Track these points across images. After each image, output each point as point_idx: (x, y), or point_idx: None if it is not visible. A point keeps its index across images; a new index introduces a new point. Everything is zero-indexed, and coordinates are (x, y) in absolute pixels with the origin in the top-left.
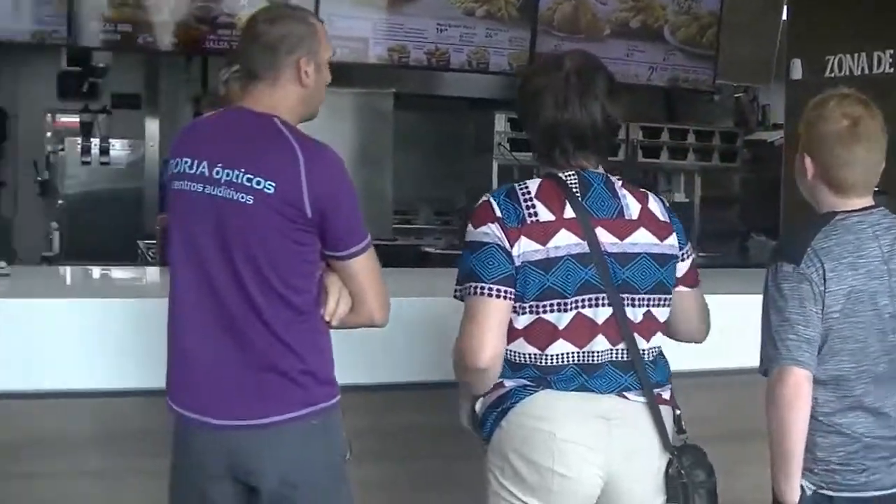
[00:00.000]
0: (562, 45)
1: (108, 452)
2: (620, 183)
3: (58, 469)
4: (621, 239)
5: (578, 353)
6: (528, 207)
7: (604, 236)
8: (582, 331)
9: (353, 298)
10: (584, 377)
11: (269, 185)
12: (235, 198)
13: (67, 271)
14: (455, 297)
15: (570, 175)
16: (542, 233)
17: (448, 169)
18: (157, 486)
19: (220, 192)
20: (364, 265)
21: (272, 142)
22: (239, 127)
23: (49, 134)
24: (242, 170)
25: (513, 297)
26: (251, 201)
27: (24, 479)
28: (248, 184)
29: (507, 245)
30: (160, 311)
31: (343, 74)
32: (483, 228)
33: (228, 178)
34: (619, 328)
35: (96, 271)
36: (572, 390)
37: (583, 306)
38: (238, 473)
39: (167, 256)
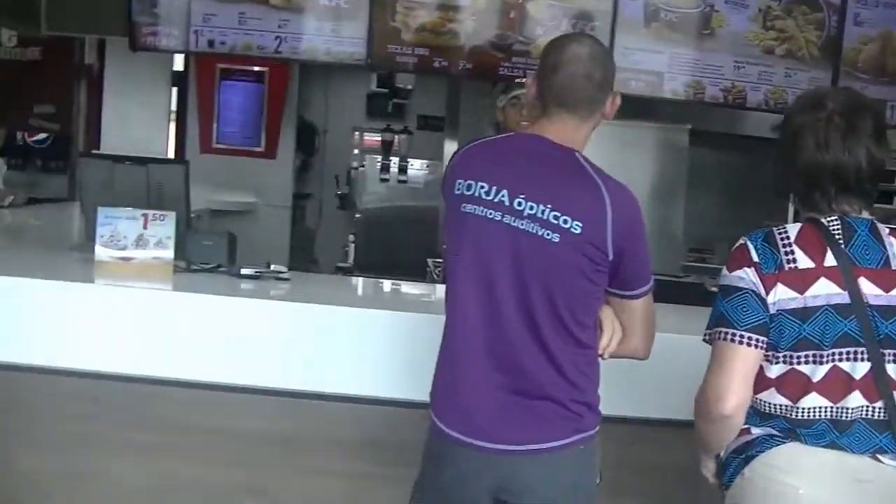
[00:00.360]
0: (866, 88)
1: (373, 457)
2: (888, 230)
3: (332, 468)
4: (886, 290)
5: (831, 408)
6: (786, 253)
7: (867, 287)
8: (837, 385)
9: (623, 331)
10: (835, 433)
11: (577, 225)
12: (540, 234)
13: (359, 282)
14: (704, 340)
15: (832, 220)
16: (800, 280)
17: (744, 209)
18: (400, 491)
19: (522, 224)
20: (643, 304)
21: (578, 179)
22: (539, 157)
23: (356, 151)
24: (549, 206)
25: (764, 345)
26: (557, 239)
27: (300, 473)
28: (556, 221)
29: (761, 291)
30: (433, 327)
31: (640, 108)
32: (738, 273)
33: (532, 213)
34: (878, 385)
35: (378, 283)
36: (822, 446)
37: (840, 360)
38: (503, 494)
39: (448, 274)
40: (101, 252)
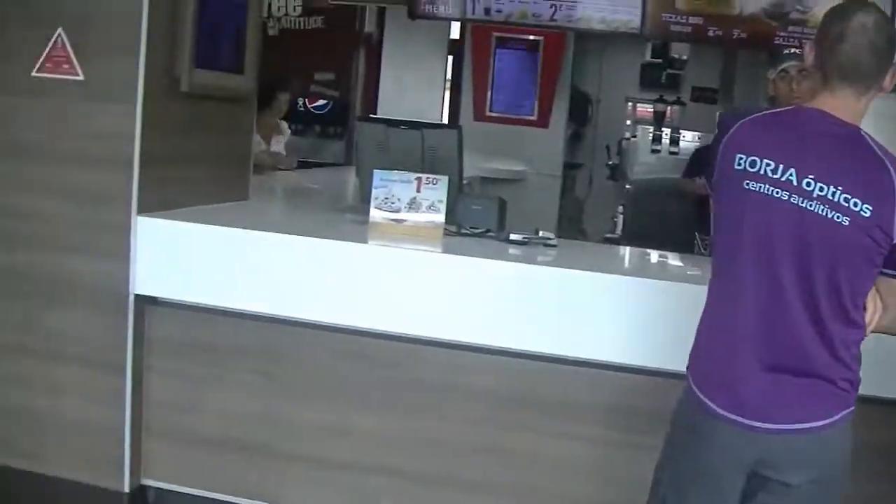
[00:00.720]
0: None
1: (617, 424)
2: None
3: (576, 432)
4: None
5: None
6: None
7: None
8: None
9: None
10: None
11: (867, 208)
12: (830, 216)
13: (624, 251)
14: None
15: None
16: None
17: None
18: (645, 459)
19: (811, 206)
20: None
21: (865, 159)
22: (825, 135)
23: (628, 121)
24: (840, 188)
25: None
26: (846, 223)
27: (545, 436)
28: (846, 204)
29: None
30: (692, 298)
31: None
32: None
33: (822, 194)
34: None
35: (643, 253)
36: None
37: None
38: (764, 470)
39: (720, 250)
40: (375, 213)
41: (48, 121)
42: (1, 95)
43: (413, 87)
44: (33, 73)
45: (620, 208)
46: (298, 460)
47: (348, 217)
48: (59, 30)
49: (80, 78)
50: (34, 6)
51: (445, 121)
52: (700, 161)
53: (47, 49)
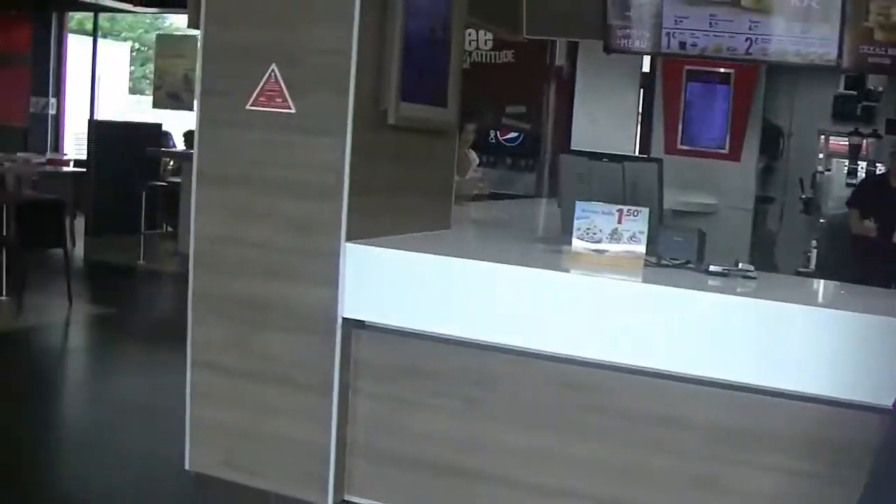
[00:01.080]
0: None
1: (820, 457)
2: None
3: (780, 465)
4: None
5: None
6: None
7: None
8: None
9: None
10: None
11: None
12: None
13: (821, 284)
14: None
15: None
16: None
17: None
18: (847, 494)
19: None
20: None
21: None
22: None
23: (821, 155)
24: None
25: None
26: None
27: (748, 468)
28: None
29: None
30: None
31: None
32: None
33: None
34: None
35: (839, 287)
36: None
37: None
38: None
39: None
40: (577, 244)
41: (261, 152)
42: (218, 127)
43: (605, 119)
44: (248, 107)
45: (814, 242)
46: (497, 484)
47: (543, 247)
48: (273, 65)
49: (292, 111)
50: (250, 44)
51: (637, 153)
52: (862, 192)
53: (261, 84)
